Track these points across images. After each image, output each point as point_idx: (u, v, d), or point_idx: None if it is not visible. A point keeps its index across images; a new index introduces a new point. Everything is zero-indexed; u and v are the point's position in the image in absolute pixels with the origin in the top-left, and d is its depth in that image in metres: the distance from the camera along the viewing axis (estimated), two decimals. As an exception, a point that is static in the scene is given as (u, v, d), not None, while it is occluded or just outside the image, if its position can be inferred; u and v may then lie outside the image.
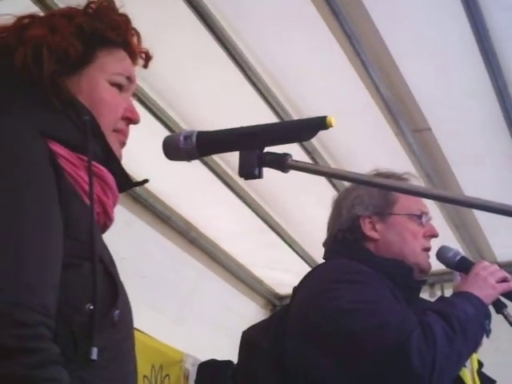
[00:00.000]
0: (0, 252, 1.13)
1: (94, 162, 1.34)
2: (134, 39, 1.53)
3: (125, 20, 1.52)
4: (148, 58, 1.58)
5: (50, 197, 1.22)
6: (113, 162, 1.43)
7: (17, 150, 1.24)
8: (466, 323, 1.96)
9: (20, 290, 1.11)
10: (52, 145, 1.29)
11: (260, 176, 1.31)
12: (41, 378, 1.09)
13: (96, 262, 1.24)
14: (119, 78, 1.48)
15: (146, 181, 1.53)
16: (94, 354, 1.18)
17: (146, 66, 1.59)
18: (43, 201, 1.21)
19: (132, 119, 1.51)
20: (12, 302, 1.09)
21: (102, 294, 1.23)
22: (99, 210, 1.36)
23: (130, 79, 1.51)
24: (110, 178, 1.40)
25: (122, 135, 1.50)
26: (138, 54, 1.55)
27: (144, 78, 3.34)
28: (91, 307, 1.20)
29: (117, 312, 1.25)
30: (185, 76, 3.35)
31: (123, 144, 1.51)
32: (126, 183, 1.47)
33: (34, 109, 1.36)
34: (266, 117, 3.47)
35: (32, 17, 1.46)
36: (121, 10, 1.52)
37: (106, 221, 1.41)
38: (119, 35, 1.49)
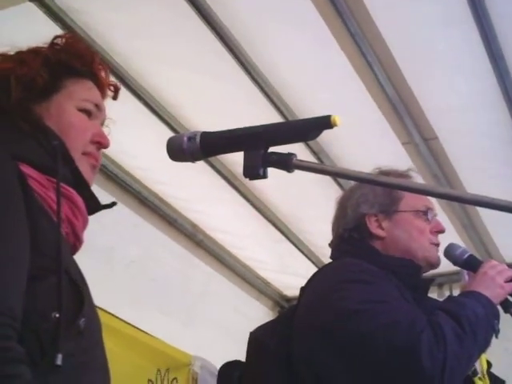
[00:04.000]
0: None
1: (62, 184, 1.41)
2: (102, 73, 1.63)
3: (90, 52, 1.63)
4: (116, 90, 1.69)
5: (17, 212, 1.29)
6: (82, 186, 1.49)
7: None
8: (475, 323, 1.95)
9: None
10: (22, 167, 1.37)
11: (265, 176, 1.30)
12: (4, 374, 1.15)
13: (62, 273, 1.30)
14: (87, 104, 1.57)
15: (114, 203, 1.60)
16: (59, 359, 1.23)
17: (115, 97, 1.69)
18: (10, 215, 1.28)
19: (101, 144, 1.57)
20: None
21: (68, 302, 1.28)
22: (68, 230, 1.43)
23: (98, 107, 1.59)
24: (79, 200, 1.47)
25: (93, 159, 1.56)
26: (107, 87, 1.65)
27: (154, 84, 3.36)
28: (57, 315, 1.26)
29: (82, 320, 1.30)
30: (189, 80, 3.35)
31: (94, 167, 1.57)
32: (94, 207, 1.54)
33: (5, 133, 1.45)
34: (271, 118, 3.47)
35: (4, 55, 1.57)
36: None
37: (76, 242, 1.47)
38: (84, 65, 1.59)
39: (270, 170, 1.32)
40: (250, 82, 3.38)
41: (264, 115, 3.45)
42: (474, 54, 3.27)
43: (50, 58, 1.55)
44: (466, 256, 2.25)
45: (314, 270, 2.35)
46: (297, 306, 2.15)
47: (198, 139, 1.36)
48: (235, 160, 3.65)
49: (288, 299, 5.33)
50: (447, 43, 3.24)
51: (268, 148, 1.31)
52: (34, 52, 1.57)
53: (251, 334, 2.24)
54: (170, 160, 1.40)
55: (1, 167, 1.33)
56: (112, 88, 1.68)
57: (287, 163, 1.30)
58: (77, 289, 1.33)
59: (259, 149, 1.30)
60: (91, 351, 1.34)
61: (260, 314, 5.07)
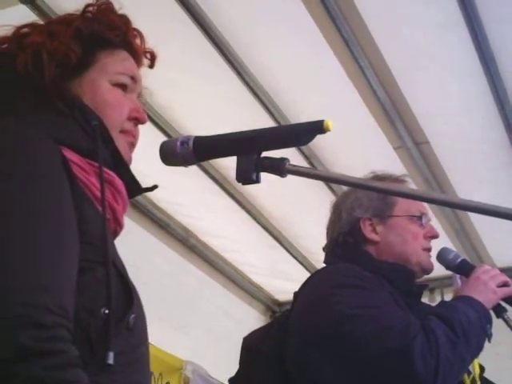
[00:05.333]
0: (15, 253, 1.11)
1: (104, 168, 1.33)
2: (137, 40, 1.53)
3: (124, 20, 1.51)
4: (153, 58, 1.58)
5: (65, 201, 1.22)
6: (122, 167, 1.42)
7: (33, 156, 1.23)
8: (468, 327, 1.96)
9: (35, 292, 1.09)
10: (64, 151, 1.29)
11: (258, 181, 1.30)
12: (61, 380, 1.07)
13: (110, 266, 1.23)
14: (122, 77, 1.47)
15: (155, 186, 1.51)
16: (111, 358, 1.16)
17: (151, 66, 1.58)
18: (59, 205, 1.20)
19: (139, 119, 1.49)
20: (28, 303, 1.07)
21: (117, 297, 1.22)
22: (110, 216, 1.35)
23: (134, 79, 1.50)
24: (120, 184, 1.39)
25: (131, 136, 1.47)
26: (143, 54, 1.55)
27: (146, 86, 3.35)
28: (106, 311, 1.19)
29: (132, 316, 1.24)
30: (182, 83, 3.35)
31: (132, 145, 1.49)
32: (135, 189, 1.46)
33: (43, 115, 1.36)
34: (263, 121, 3.47)
35: (32, 26, 1.46)
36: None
37: (117, 227, 1.40)
38: (118, 35, 1.48)
39: (263, 175, 1.31)
40: (242, 86, 3.39)
41: (256, 119, 3.45)
42: (465, 59, 3.28)
43: (81, 29, 1.44)
44: (459, 261, 2.25)
45: (306, 274, 2.35)
46: (290, 311, 2.15)
47: (191, 143, 1.35)
48: (228, 164, 3.65)
49: (280, 304, 5.33)
50: (439, 48, 3.25)
51: (261, 153, 1.31)
52: (65, 23, 1.46)
53: (244, 339, 2.24)
54: (162, 164, 1.40)
55: (45, 153, 1.25)
56: (148, 56, 1.57)
57: (280, 168, 1.30)
58: (125, 282, 1.26)
59: (252, 153, 1.30)
60: (139, 349, 1.27)
61: (252, 318, 5.06)
